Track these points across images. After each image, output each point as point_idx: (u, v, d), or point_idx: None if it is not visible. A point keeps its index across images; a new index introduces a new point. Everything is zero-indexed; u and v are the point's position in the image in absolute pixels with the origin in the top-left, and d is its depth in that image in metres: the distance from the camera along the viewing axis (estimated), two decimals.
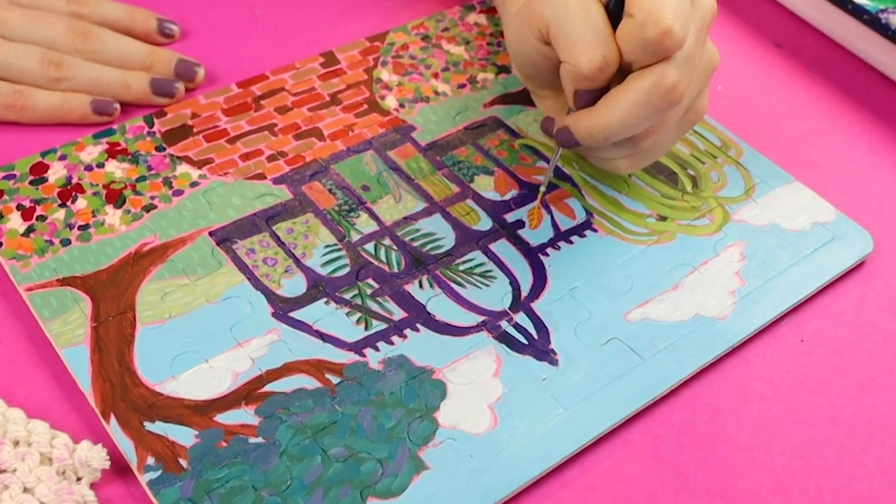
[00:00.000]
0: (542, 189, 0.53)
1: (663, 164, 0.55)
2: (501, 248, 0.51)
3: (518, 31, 0.50)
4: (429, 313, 0.47)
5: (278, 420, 0.43)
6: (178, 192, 0.52)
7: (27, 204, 0.50)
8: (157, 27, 0.59)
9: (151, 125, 0.55)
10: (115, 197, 0.51)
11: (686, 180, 0.55)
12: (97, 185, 0.52)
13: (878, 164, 0.58)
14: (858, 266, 0.52)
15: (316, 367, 0.45)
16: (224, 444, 0.42)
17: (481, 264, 0.50)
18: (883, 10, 0.61)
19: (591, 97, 0.47)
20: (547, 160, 0.55)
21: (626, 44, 0.45)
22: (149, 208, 0.51)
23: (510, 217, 0.52)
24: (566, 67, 0.46)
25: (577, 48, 0.45)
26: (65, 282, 0.47)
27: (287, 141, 0.55)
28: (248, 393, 0.44)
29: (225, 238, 0.50)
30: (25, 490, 0.40)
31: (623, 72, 0.47)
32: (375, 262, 0.49)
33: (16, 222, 0.49)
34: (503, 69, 0.60)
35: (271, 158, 0.54)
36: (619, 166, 0.51)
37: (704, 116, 0.58)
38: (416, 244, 0.50)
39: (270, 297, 0.47)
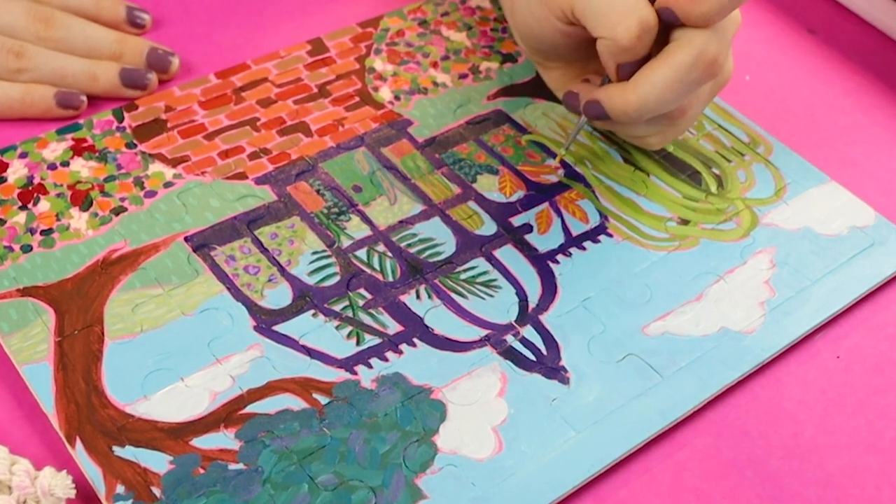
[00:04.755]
0: (562, 151, 0.54)
1: (686, 162, 0.56)
2: (507, 254, 0.51)
3: (532, 10, 0.51)
4: (427, 327, 0.48)
5: (261, 444, 0.43)
6: (151, 194, 0.52)
7: None
8: (125, 16, 0.60)
9: (121, 119, 0.55)
10: (82, 199, 0.51)
11: (710, 180, 0.55)
12: (61, 185, 0.52)
13: None
14: None
15: (302, 386, 0.45)
16: (201, 471, 0.42)
17: (485, 273, 0.50)
18: None
19: (635, 69, 0.48)
20: (555, 157, 0.55)
21: None
22: (118, 211, 0.51)
23: (516, 220, 0.52)
24: (603, 43, 0.47)
25: (611, 19, 0.46)
26: (26, 292, 0.47)
27: (270, 137, 0.55)
28: (227, 414, 0.44)
29: (202, 244, 0.50)
30: None
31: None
32: (368, 271, 0.50)
33: None
34: (508, 58, 0.61)
35: (253, 156, 0.54)
36: (651, 143, 0.53)
37: (730, 108, 0.58)
38: (412, 250, 0.51)
39: (252, 308, 0.48)
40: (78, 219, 0.50)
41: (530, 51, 0.55)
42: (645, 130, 0.52)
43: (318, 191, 0.53)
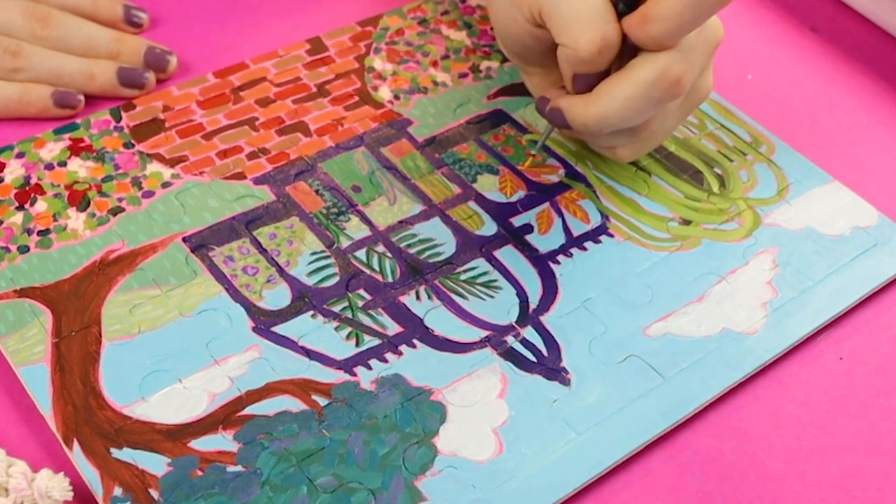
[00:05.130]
0: (534, 151, 0.55)
1: (687, 161, 0.56)
2: (507, 255, 0.51)
3: (505, 10, 0.51)
4: (427, 328, 0.48)
5: (260, 446, 0.43)
6: (149, 194, 0.52)
7: None
8: (123, 14, 0.60)
9: (119, 119, 0.55)
10: (79, 199, 0.51)
11: (712, 180, 0.55)
12: (59, 185, 0.52)
13: None
14: None
15: (301, 388, 0.45)
16: (199, 473, 0.42)
17: (485, 273, 0.50)
18: None
19: (591, 81, 0.48)
20: (558, 157, 0.55)
21: (666, 5, 0.45)
22: (116, 211, 0.51)
23: (517, 221, 0.52)
24: (564, 51, 0.48)
25: (575, 29, 0.46)
26: (23, 293, 0.47)
27: (269, 136, 0.55)
28: (226, 416, 0.44)
29: (200, 244, 0.50)
30: None
31: (621, 53, 0.48)
32: (367, 271, 0.50)
33: None
34: None
35: (252, 156, 0.54)
36: (620, 155, 0.53)
37: (733, 108, 0.58)
38: (412, 251, 0.51)
39: (251, 309, 0.48)
40: (75, 219, 0.50)
41: (509, 53, 0.54)
42: (610, 142, 0.52)
43: (317, 191, 0.53)
